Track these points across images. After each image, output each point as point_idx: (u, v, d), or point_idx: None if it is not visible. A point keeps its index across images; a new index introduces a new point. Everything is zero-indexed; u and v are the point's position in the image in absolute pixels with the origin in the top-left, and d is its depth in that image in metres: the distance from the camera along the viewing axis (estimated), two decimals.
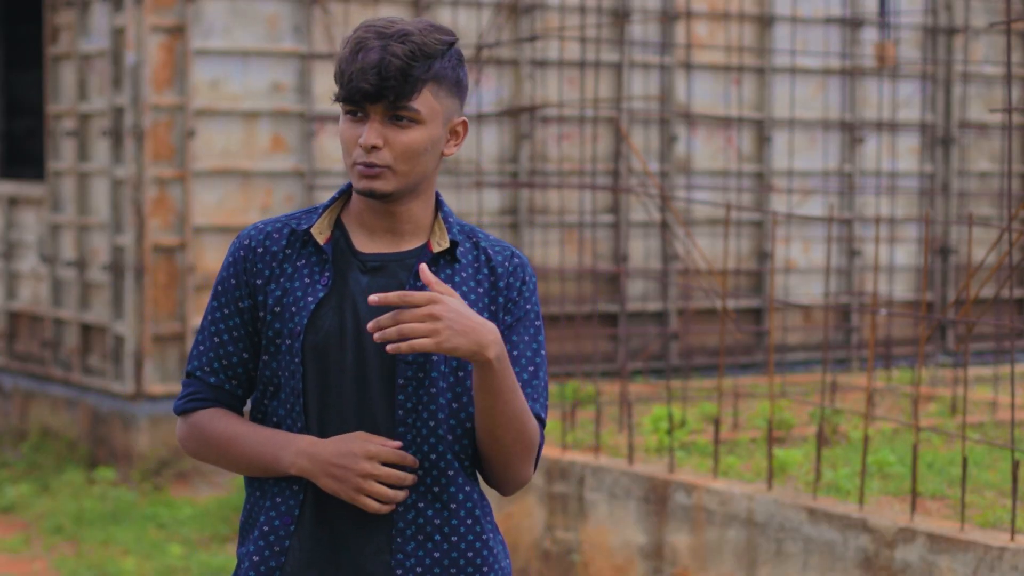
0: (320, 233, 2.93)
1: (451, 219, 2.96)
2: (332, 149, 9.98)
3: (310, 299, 2.88)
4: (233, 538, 8.50)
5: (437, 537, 2.89)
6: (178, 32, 9.60)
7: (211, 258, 9.73)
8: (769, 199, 11.03)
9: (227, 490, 9.29)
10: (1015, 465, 5.40)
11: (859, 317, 11.32)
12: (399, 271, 2.89)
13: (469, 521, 2.91)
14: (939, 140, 11.66)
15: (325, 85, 9.88)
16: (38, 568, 8.02)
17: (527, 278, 2.96)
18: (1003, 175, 11.67)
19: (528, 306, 2.95)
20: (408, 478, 2.85)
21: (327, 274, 2.90)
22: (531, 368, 2.94)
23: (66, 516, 8.80)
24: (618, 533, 6.78)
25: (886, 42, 11.32)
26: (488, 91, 10.24)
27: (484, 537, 2.93)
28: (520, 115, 10.30)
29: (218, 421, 2.94)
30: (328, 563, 2.88)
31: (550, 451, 7.21)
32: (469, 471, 2.93)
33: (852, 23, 11.19)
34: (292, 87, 9.88)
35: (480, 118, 10.11)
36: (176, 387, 9.54)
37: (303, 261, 2.92)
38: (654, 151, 10.75)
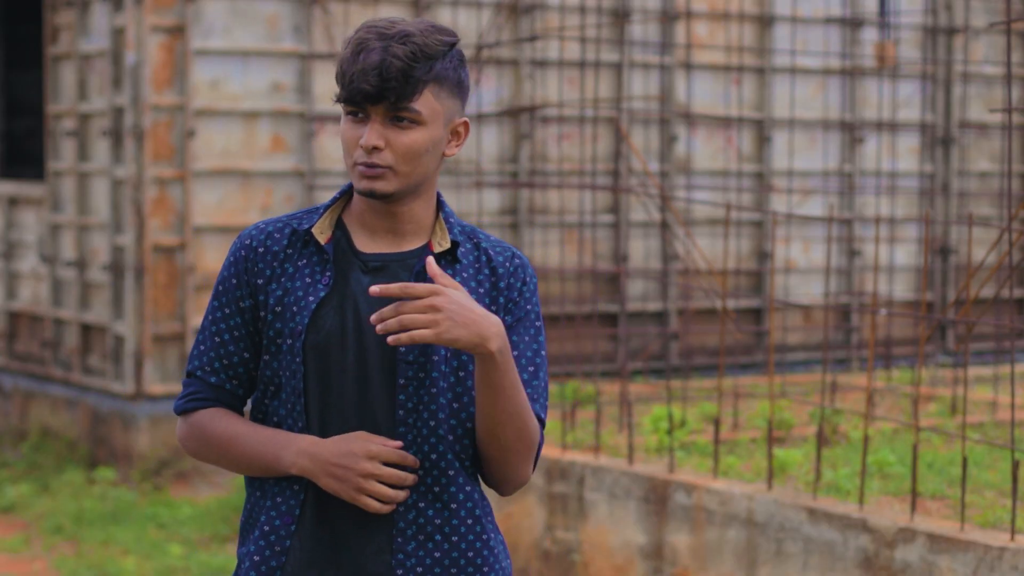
0: (321, 233, 2.93)
1: (452, 219, 2.96)
2: (332, 149, 9.98)
3: (311, 299, 2.89)
4: (233, 538, 8.50)
5: (438, 537, 2.89)
6: (178, 32, 9.60)
7: (211, 258, 9.73)
8: (769, 199, 11.03)
9: (227, 490, 9.29)
10: (1015, 465, 5.40)
11: (859, 317, 11.32)
12: (400, 271, 2.89)
13: (470, 521, 2.91)
14: (939, 140, 11.66)
15: (325, 85, 9.88)
16: (38, 568, 8.02)
17: (528, 279, 2.96)
18: (1003, 175, 11.67)
19: (528, 307, 2.95)
20: (409, 478, 2.85)
21: (328, 274, 2.90)
22: (531, 368, 2.94)
23: (66, 516, 8.80)
24: (618, 533, 6.78)
25: (886, 42, 11.32)
26: (488, 91, 10.24)
27: (485, 537, 2.93)
28: (520, 115, 10.31)
29: (219, 421, 2.94)
30: (329, 563, 2.88)
31: (550, 451, 7.21)
32: (470, 471, 2.93)
33: (852, 23, 11.19)
34: (292, 87, 9.88)
35: (480, 118, 10.11)
36: (176, 387, 9.54)
37: (304, 261, 2.92)
38: (654, 151, 10.75)
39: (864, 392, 8.36)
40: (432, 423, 2.87)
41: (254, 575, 2.92)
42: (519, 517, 7.26)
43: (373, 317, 2.76)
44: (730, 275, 10.78)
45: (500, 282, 2.94)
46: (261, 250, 2.94)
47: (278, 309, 2.91)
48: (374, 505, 2.83)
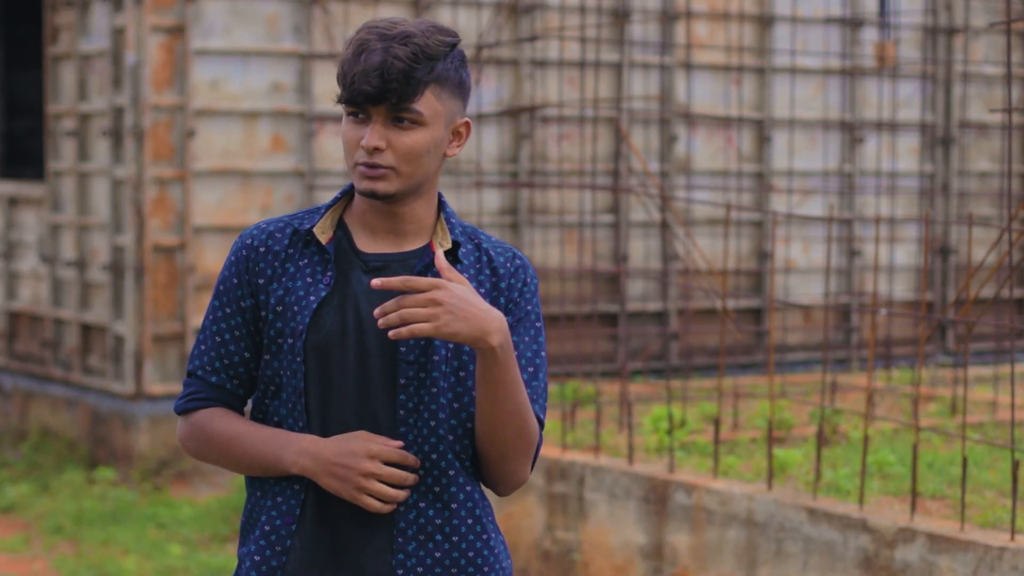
0: (323, 233, 2.93)
1: (453, 220, 2.97)
2: (332, 149, 9.98)
3: (312, 298, 2.89)
4: (233, 538, 8.50)
5: (438, 537, 2.89)
6: (178, 32, 9.60)
7: (211, 258, 9.73)
8: (769, 199, 11.03)
9: (227, 490, 9.29)
10: (1015, 465, 5.41)
11: (859, 317, 11.32)
12: (401, 271, 2.89)
13: (470, 521, 2.91)
14: (939, 140, 11.66)
15: (325, 85, 9.88)
16: (38, 568, 8.02)
17: (528, 279, 2.96)
18: (1003, 175, 11.67)
19: (529, 307, 2.95)
20: (410, 478, 2.85)
21: (329, 274, 2.90)
22: (531, 369, 2.94)
23: (66, 516, 8.80)
24: (618, 533, 6.78)
25: (886, 42, 11.32)
26: (488, 91, 10.24)
27: (485, 537, 2.93)
28: (520, 115, 10.31)
29: (219, 421, 2.95)
30: (329, 563, 2.88)
31: (550, 451, 7.21)
32: (470, 471, 2.94)
33: (852, 23, 11.19)
34: (292, 87, 9.89)
35: (480, 118, 10.11)
36: (176, 387, 9.55)
37: (305, 261, 2.92)
38: (654, 151, 10.75)
39: (864, 392, 8.36)
40: (433, 423, 2.88)
41: (255, 575, 2.92)
42: (519, 517, 7.26)
43: (376, 311, 2.77)
44: (730, 275, 10.78)
45: (501, 283, 2.94)
46: (262, 250, 2.94)
47: (279, 309, 2.91)
48: (375, 505, 2.83)
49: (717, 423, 6.63)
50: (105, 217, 10.02)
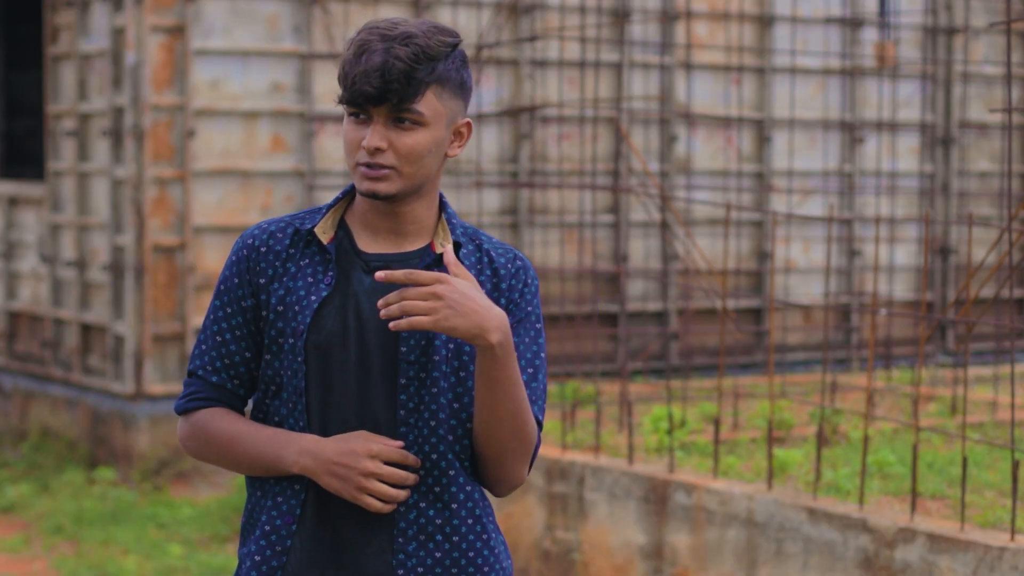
0: (324, 233, 2.93)
1: (454, 220, 2.97)
2: (332, 149, 9.98)
3: (313, 298, 2.89)
4: (233, 538, 8.50)
5: (439, 537, 2.89)
6: (178, 32, 9.60)
7: (211, 258, 9.73)
8: (769, 199, 11.03)
9: (227, 490, 9.29)
10: (1015, 465, 5.41)
11: (859, 317, 11.32)
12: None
13: (470, 521, 2.91)
14: (939, 140, 11.67)
15: (325, 85, 9.88)
16: (38, 568, 8.02)
17: (529, 280, 2.96)
18: (1003, 175, 11.67)
19: (529, 308, 2.95)
20: (410, 478, 2.85)
21: (330, 274, 2.90)
22: (530, 370, 2.94)
23: (66, 516, 8.80)
24: (618, 533, 6.78)
25: (886, 42, 11.32)
26: (488, 91, 10.24)
27: (485, 537, 2.93)
28: (520, 115, 10.31)
29: (219, 420, 2.95)
30: (330, 563, 2.88)
31: (550, 451, 7.21)
32: (470, 471, 2.94)
33: (852, 23, 11.20)
34: (292, 87, 9.89)
35: (480, 118, 10.11)
36: (176, 387, 9.55)
37: (306, 260, 2.92)
38: (654, 151, 10.75)
39: (864, 392, 8.37)
40: (433, 423, 2.88)
41: (255, 575, 2.92)
42: (519, 517, 7.26)
43: (379, 302, 2.77)
44: (730, 275, 10.78)
45: (502, 283, 2.94)
46: (263, 249, 2.94)
47: (280, 308, 2.91)
48: (375, 504, 2.83)
49: (717, 423, 6.63)
50: (105, 217, 10.02)
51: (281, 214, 9.59)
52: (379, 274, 2.76)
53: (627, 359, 10.07)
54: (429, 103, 2.84)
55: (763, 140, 11.01)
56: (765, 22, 10.97)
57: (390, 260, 2.91)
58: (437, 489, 2.89)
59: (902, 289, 11.56)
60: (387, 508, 2.84)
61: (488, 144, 10.32)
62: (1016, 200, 10.92)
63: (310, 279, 2.91)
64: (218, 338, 2.96)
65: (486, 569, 2.92)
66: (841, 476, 6.30)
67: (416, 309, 2.73)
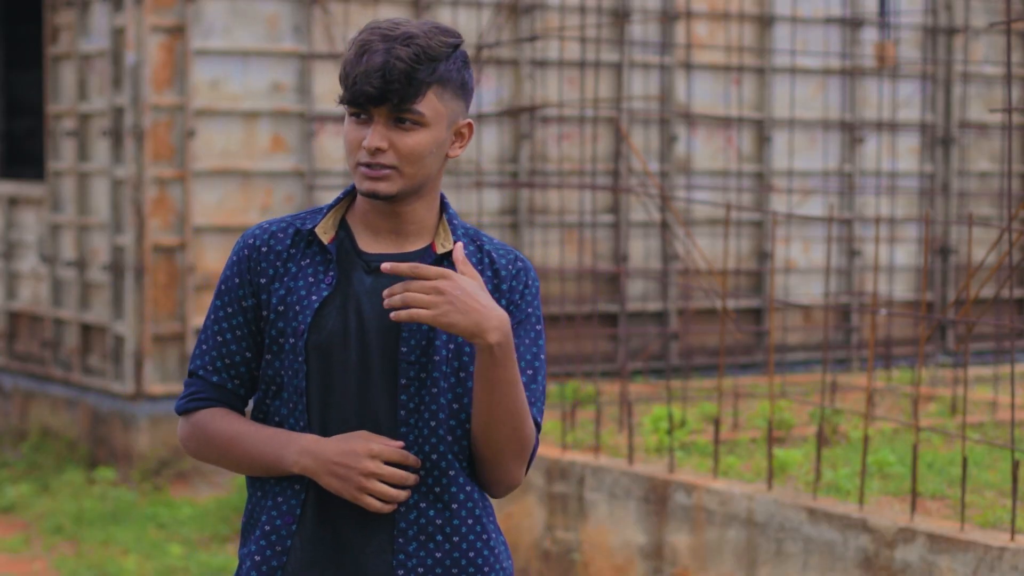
0: (324, 233, 2.93)
1: (455, 221, 2.97)
2: (332, 149, 9.98)
3: (314, 298, 2.89)
4: (233, 538, 8.50)
5: (439, 537, 2.89)
6: (178, 32, 9.60)
7: (211, 258, 9.73)
8: (769, 199, 11.03)
9: (227, 490, 9.29)
10: (1015, 465, 5.41)
11: (859, 317, 11.32)
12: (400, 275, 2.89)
13: (471, 521, 2.91)
14: (939, 140, 11.67)
15: (325, 85, 9.88)
16: (38, 568, 8.02)
17: (530, 282, 2.96)
18: (1003, 175, 11.67)
19: (530, 309, 2.95)
20: (410, 478, 2.85)
21: (331, 274, 2.90)
22: (530, 372, 2.94)
23: (66, 516, 8.80)
24: (618, 533, 6.78)
25: (886, 42, 11.32)
26: (488, 91, 10.24)
27: (485, 537, 2.93)
28: (520, 115, 10.31)
29: (220, 420, 2.95)
30: (330, 563, 2.88)
31: (550, 451, 7.21)
32: (470, 472, 2.94)
33: (852, 23, 11.20)
34: (292, 87, 9.89)
35: (480, 118, 10.11)
36: (176, 387, 9.55)
37: (307, 260, 2.92)
38: (654, 151, 10.75)
39: (864, 392, 8.36)
40: (433, 423, 2.88)
41: (255, 575, 2.92)
42: (519, 517, 7.26)
43: (385, 292, 2.77)
44: (730, 275, 10.78)
45: (502, 284, 2.94)
46: (264, 249, 2.94)
47: (281, 308, 2.91)
48: (375, 504, 2.83)
49: (717, 423, 6.63)
50: (105, 217, 10.03)
51: (281, 214, 9.57)
52: (385, 265, 2.76)
53: (627, 359, 10.07)
54: (430, 103, 2.84)
55: (763, 140, 11.02)
56: (765, 22, 10.97)
57: (391, 260, 2.91)
58: (437, 489, 2.89)
59: (902, 289, 11.56)
60: (387, 508, 2.84)
61: (488, 144, 10.32)
62: (1016, 200, 10.92)
63: (311, 279, 2.91)
64: (219, 338, 2.96)
65: (486, 569, 2.92)
66: (841, 476, 6.30)
67: (417, 302, 2.74)
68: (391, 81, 2.80)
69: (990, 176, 11.96)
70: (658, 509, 6.59)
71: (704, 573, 6.40)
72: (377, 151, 2.84)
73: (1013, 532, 5.38)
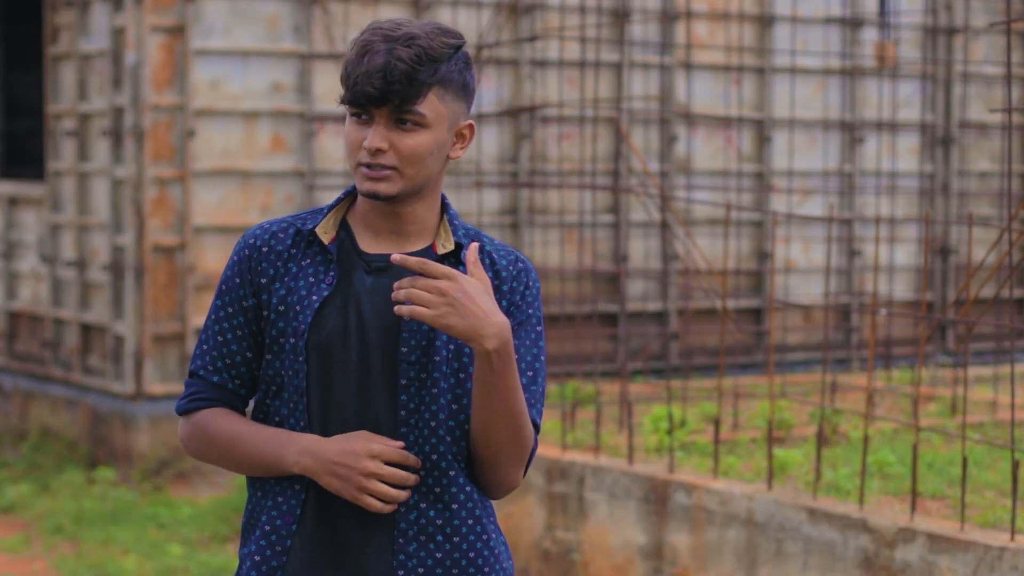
0: (325, 233, 2.93)
1: (456, 222, 2.97)
2: (332, 149, 9.98)
3: (314, 298, 2.89)
4: (233, 538, 8.50)
5: (439, 538, 2.89)
6: (178, 32, 9.60)
7: (211, 258, 9.73)
8: (769, 199, 11.03)
9: (227, 490, 9.29)
10: (1015, 465, 5.41)
11: (859, 317, 11.32)
12: (403, 271, 2.89)
13: (471, 522, 2.91)
14: (939, 140, 11.67)
15: (325, 85, 9.88)
16: (38, 568, 8.02)
17: (531, 283, 2.96)
18: (1003, 175, 11.67)
19: (531, 311, 2.95)
20: (411, 478, 2.85)
21: (332, 274, 2.90)
22: (530, 373, 2.94)
23: (66, 516, 8.80)
24: (618, 533, 6.78)
25: (886, 42, 11.32)
26: (488, 91, 10.24)
27: (485, 537, 2.93)
28: (520, 115, 10.31)
29: (220, 421, 2.95)
30: (330, 563, 2.88)
31: (550, 451, 7.21)
32: (469, 472, 2.94)
33: (852, 23, 11.20)
34: (292, 87, 9.89)
35: (480, 118, 10.11)
36: (176, 387, 9.55)
37: (308, 261, 2.92)
38: (654, 151, 10.75)
39: (864, 392, 8.37)
40: (433, 423, 2.88)
41: (255, 575, 2.92)
42: (519, 517, 7.26)
43: (395, 284, 2.77)
44: (730, 275, 10.78)
45: (503, 285, 2.94)
46: (265, 249, 2.94)
47: (281, 308, 2.91)
48: (376, 504, 2.83)
49: (717, 423, 6.63)
50: (105, 217, 10.03)
51: (281, 214, 9.59)
52: (395, 256, 2.76)
53: (627, 359, 10.07)
54: (431, 104, 2.84)
55: (763, 140, 11.02)
56: (765, 22, 10.97)
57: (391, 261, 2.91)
58: (438, 490, 2.89)
59: (902, 289, 11.56)
60: (387, 508, 2.84)
61: (488, 144, 10.32)
62: (1016, 200, 10.92)
63: (311, 279, 2.91)
64: (219, 338, 2.96)
65: (486, 570, 2.92)
66: (841, 476, 6.30)
67: (419, 299, 2.74)
68: (392, 82, 2.79)
69: (990, 176, 11.96)
70: (658, 509, 6.59)
71: (704, 573, 6.40)
72: (377, 152, 2.84)
73: (1013, 532, 5.38)
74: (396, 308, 2.75)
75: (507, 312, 2.92)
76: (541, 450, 7.13)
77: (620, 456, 7.06)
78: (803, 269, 11.19)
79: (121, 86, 9.79)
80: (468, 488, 2.91)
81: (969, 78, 11.67)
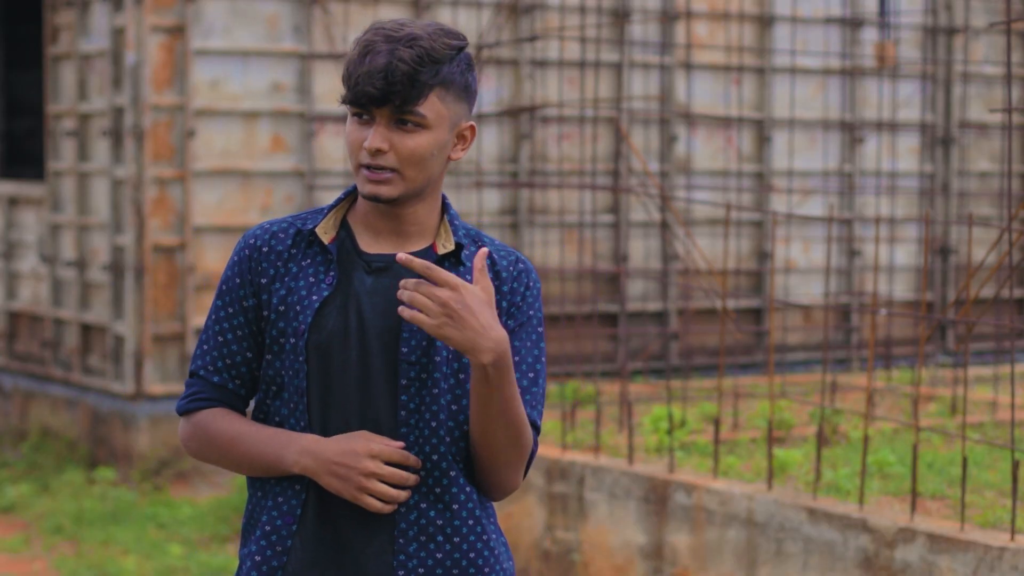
0: (325, 233, 2.93)
1: (457, 222, 2.96)
2: (332, 149, 9.98)
3: (314, 298, 2.89)
4: (233, 538, 8.50)
5: (439, 538, 2.89)
6: (178, 32, 9.60)
7: (211, 258, 9.73)
8: (769, 199, 11.03)
9: (227, 490, 9.29)
10: (1015, 465, 5.41)
11: (859, 317, 11.32)
12: (403, 272, 2.89)
13: (471, 522, 2.91)
14: (939, 140, 11.67)
15: (325, 85, 9.88)
16: (38, 568, 8.02)
17: (531, 284, 2.96)
18: (1003, 175, 11.67)
19: (531, 312, 2.95)
20: (411, 478, 2.85)
21: (332, 274, 2.90)
22: (531, 375, 2.94)
23: (66, 516, 8.80)
24: (618, 533, 6.78)
25: (886, 42, 11.32)
26: (488, 91, 10.24)
27: (486, 538, 2.93)
28: (520, 115, 10.31)
29: (221, 421, 2.94)
30: (330, 563, 2.88)
31: (550, 451, 7.21)
32: (468, 473, 2.93)
33: (852, 23, 11.20)
34: (292, 87, 9.89)
35: (480, 118, 10.11)
36: (176, 387, 9.55)
37: (308, 261, 2.92)
38: (654, 151, 10.75)
39: (864, 392, 8.37)
40: (434, 424, 2.88)
41: (255, 575, 2.92)
42: (519, 517, 7.26)
43: (402, 283, 2.75)
44: (730, 275, 10.78)
45: (503, 286, 2.94)
46: (265, 249, 2.94)
47: (281, 308, 2.91)
48: (376, 504, 2.83)
49: (717, 423, 6.63)
50: (105, 217, 10.03)
51: (281, 214, 9.59)
52: (400, 256, 2.74)
53: (627, 359, 10.07)
54: (432, 106, 2.84)
55: (763, 140, 11.02)
56: (765, 22, 10.97)
57: (392, 261, 2.90)
58: (438, 490, 2.89)
59: (902, 289, 11.56)
60: (388, 508, 2.84)
61: (488, 144, 10.32)
62: (1016, 200, 10.92)
63: (311, 279, 2.91)
64: (220, 338, 2.96)
65: (487, 570, 2.92)
66: (841, 476, 6.30)
67: (420, 305, 2.73)
68: (393, 83, 2.79)
69: (990, 176, 11.96)
70: (658, 509, 6.59)
71: (704, 573, 6.40)
72: (378, 152, 2.84)
73: (1013, 532, 5.38)
74: (399, 309, 2.75)
75: (508, 313, 2.92)
76: (541, 450, 7.13)
77: (620, 456, 7.06)
78: (803, 269, 11.19)
79: (121, 86, 9.79)
80: (468, 488, 2.91)
81: (969, 78, 11.67)
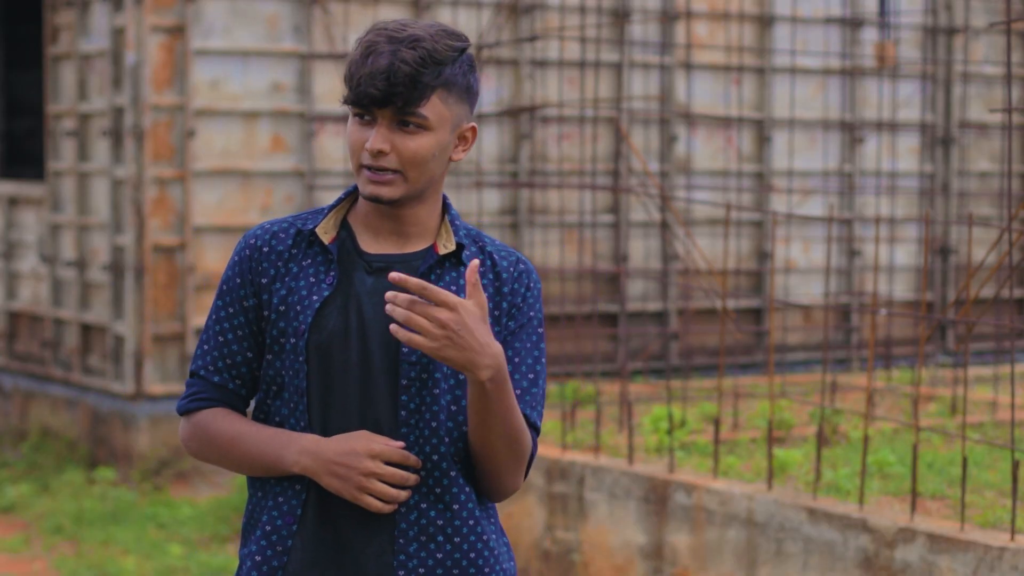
0: (326, 233, 2.93)
1: (458, 222, 2.96)
2: (332, 149, 9.98)
3: (315, 298, 2.89)
4: (233, 538, 8.50)
5: (440, 538, 2.89)
6: (178, 32, 9.60)
7: (211, 258, 9.73)
8: (769, 199, 11.03)
9: (227, 490, 9.29)
10: (1015, 465, 5.41)
11: (859, 317, 11.32)
12: (404, 272, 2.88)
13: (471, 522, 2.91)
14: (939, 140, 11.67)
15: (325, 85, 9.88)
16: (38, 568, 8.02)
17: (532, 284, 2.96)
18: (1003, 175, 11.67)
19: (532, 313, 2.95)
20: (411, 478, 2.85)
21: (332, 274, 2.90)
22: (531, 376, 2.93)
23: (66, 516, 8.81)
24: (618, 533, 6.78)
25: (886, 42, 11.32)
26: (488, 91, 10.24)
27: (486, 538, 2.93)
28: (520, 115, 10.31)
29: (221, 421, 2.94)
30: (330, 563, 2.88)
31: (550, 451, 7.21)
32: (470, 473, 2.93)
33: (852, 23, 11.20)
34: (292, 87, 9.89)
35: (480, 118, 10.11)
36: (176, 387, 9.55)
37: (308, 261, 2.92)
38: (654, 151, 10.75)
39: (864, 392, 8.37)
40: (434, 424, 2.87)
41: (255, 575, 2.92)
42: (519, 517, 7.27)
43: (388, 295, 2.72)
44: (730, 275, 10.78)
45: (504, 287, 2.93)
46: (266, 249, 2.94)
47: (282, 308, 2.91)
48: (376, 504, 2.82)
49: (717, 423, 6.63)
50: (105, 217, 10.03)
51: (281, 214, 9.60)
52: (393, 275, 2.71)
53: (627, 359, 10.07)
54: (434, 107, 2.83)
55: (763, 140, 11.02)
56: (765, 22, 10.97)
57: (392, 261, 2.90)
58: (438, 490, 2.88)
59: (902, 289, 11.56)
60: (388, 508, 2.84)
61: (488, 144, 10.32)
62: (1016, 200, 10.92)
63: (312, 279, 2.91)
64: (220, 338, 2.96)
65: (487, 570, 2.92)
66: (841, 476, 6.30)
67: (417, 326, 2.71)
68: (395, 84, 2.79)
69: (990, 176, 11.96)
70: (658, 509, 6.59)
71: (704, 573, 6.40)
72: (379, 153, 2.84)
73: (1013, 532, 5.38)
74: (392, 328, 2.72)
75: (508, 314, 2.92)
76: (541, 450, 7.13)
77: (620, 456, 7.06)
78: (803, 269, 11.19)
79: (121, 86, 9.79)
80: (468, 488, 2.91)
81: (969, 78, 11.67)
